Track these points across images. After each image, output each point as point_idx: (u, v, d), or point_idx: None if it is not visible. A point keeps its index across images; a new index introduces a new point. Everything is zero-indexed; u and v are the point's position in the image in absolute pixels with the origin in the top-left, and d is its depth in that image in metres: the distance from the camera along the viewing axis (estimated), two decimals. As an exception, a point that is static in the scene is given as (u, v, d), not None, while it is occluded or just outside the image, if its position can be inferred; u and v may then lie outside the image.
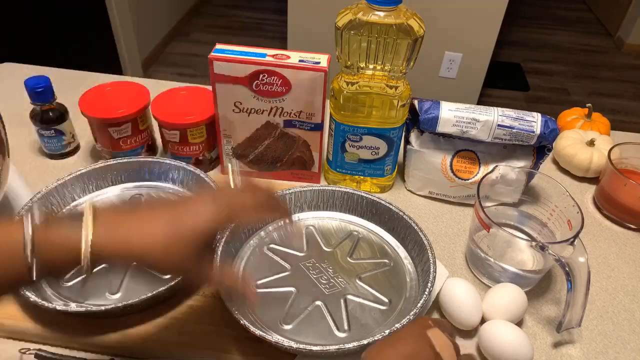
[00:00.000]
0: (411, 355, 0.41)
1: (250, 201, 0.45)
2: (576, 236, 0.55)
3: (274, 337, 0.49)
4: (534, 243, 0.56)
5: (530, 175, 0.66)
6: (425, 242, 0.59)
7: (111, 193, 0.69)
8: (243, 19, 3.24)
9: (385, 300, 0.57)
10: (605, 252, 0.70)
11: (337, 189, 0.67)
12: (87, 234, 0.36)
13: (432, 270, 0.55)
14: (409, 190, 0.77)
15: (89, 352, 0.53)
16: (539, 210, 0.66)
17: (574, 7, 3.68)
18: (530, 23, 3.39)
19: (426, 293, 0.53)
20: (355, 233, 0.66)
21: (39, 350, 0.51)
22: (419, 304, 0.52)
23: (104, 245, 0.37)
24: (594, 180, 0.81)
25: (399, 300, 0.57)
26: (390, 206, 0.64)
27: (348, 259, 0.62)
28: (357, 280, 0.60)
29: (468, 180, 0.71)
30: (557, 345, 0.57)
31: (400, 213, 0.63)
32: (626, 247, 0.71)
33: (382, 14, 0.60)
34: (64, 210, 0.65)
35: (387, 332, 0.49)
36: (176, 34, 3.00)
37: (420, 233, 0.60)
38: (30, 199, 0.61)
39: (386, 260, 0.63)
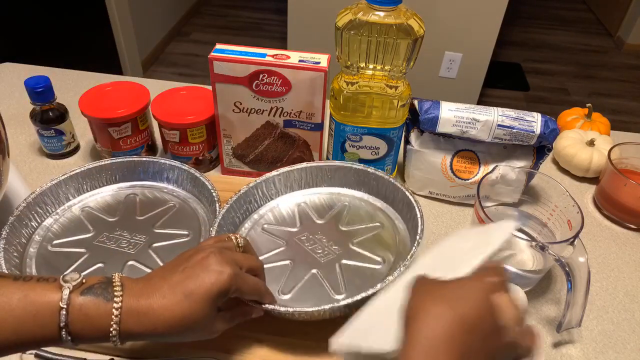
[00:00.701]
0: (470, 322, 0.33)
1: (253, 264, 0.48)
2: (576, 236, 0.55)
3: (269, 305, 0.49)
4: (534, 243, 0.56)
5: (530, 175, 0.65)
6: (412, 200, 0.60)
7: (106, 193, 0.69)
8: (243, 19, 3.24)
9: (378, 259, 0.59)
10: (605, 252, 0.70)
11: (324, 164, 0.68)
12: (117, 312, 0.39)
13: (420, 224, 0.57)
14: (409, 190, 0.77)
15: (89, 352, 0.53)
16: (539, 210, 0.66)
17: (574, 7, 3.68)
18: (530, 23, 3.39)
19: (415, 245, 0.54)
20: (346, 203, 0.67)
21: (39, 350, 0.51)
22: (409, 255, 0.53)
23: (130, 323, 0.39)
24: (594, 180, 0.81)
25: (391, 257, 0.59)
26: (377, 172, 0.66)
27: (340, 227, 0.64)
28: (351, 245, 0.61)
29: (468, 180, 0.71)
30: (557, 345, 0.57)
31: (386, 177, 0.65)
32: (626, 247, 0.71)
33: (382, 14, 0.60)
34: (58, 210, 0.65)
35: (379, 285, 0.49)
36: (176, 34, 3.00)
37: (407, 192, 0.62)
38: (25, 199, 0.61)
39: (377, 224, 0.64)
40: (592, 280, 0.65)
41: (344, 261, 0.59)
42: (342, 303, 0.48)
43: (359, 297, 0.48)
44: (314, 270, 0.58)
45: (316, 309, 0.48)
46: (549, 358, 0.56)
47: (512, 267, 0.60)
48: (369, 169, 0.66)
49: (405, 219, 0.63)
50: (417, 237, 0.55)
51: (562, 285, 0.64)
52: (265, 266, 0.58)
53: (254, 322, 0.50)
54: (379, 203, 0.67)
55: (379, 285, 0.49)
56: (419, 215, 0.58)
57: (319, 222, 0.65)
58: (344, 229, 0.63)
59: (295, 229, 0.64)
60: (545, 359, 0.56)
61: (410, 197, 0.61)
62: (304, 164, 0.68)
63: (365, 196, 0.68)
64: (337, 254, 0.60)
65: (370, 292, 0.49)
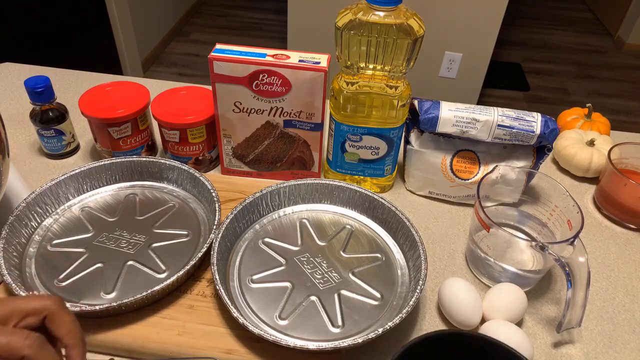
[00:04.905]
0: None
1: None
2: (576, 236, 0.55)
3: (272, 336, 0.49)
4: (534, 243, 0.56)
5: (530, 175, 0.65)
6: (417, 238, 0.60)
7: (106, 193, 0.69)
8: (243, 19, 3.24)
9: (378, 295, 0.58)
10: (605, 252, 0.70)
11: (331, 182, 0.68)
12: None
13: (423, 267, 0.56)
14: (409, 190, 0.77)
15: (89, 352, 0.53)
16: (539, 210, 0.66)
17: (574, 7, 3.68)
18: (530, 23, 3.39)
19: (418, 290, 0.54)
20: (349, 227, 0.67)
21: (39, 350, 0.51)
22: (411, 302, 0.52)
23: None
24: (594, 180, 0.81)
25: (390, 295, 0.58)
26: (383, 201, 0.65)
27: (342, 253, 0.63)
28: (351, 275, 0.60)
29: (468, 180, 0.71)
30: (557, 345, 0.57)
31: (392, 208, 0.64)
32: (626, 247, 0.71)
33: (382, 14, 0.60)
34: (58, 210, 0.65)
35: (380, 330, 0.50)
36: (176, 34, 3.00)
37: (412, 229, 0.61)
38: (24, 199, 0.61)
39: (379, 255, 0.63)
40: (592, 280, 0.65)
41: (343, 292, 0.58)
42: (345, 344, 0.49)
43: (360, 340, 0.49)
44: (312, 298, 0.57)
45: (317, 346, 0.49)
46: (549, 358, 0.56)
47: (512, 267, 0.60)
48: (374, 195, 0.66)
49: (407, 256, 0.62)
50: (420, 282, 0.55)
51: (562, 285, 0.64)
52: (263, 285, 0.58)
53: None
54: (381, 232, 0.66)
55: (380, 330, 0.50)
56: (422, 258, 0.57)
57: (320, 243, 0.64)
58: (344, 255, 0.63)
59: (296, 248, 0.63)
60: (545, 359, 0.56)
61: (415, 234, 0.60)
62: (310, 180, 0.68)
63: (369, 222, 0.67)
64: (336, 282, 0.59)
65: (371, 335, 0.49)
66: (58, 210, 0.66)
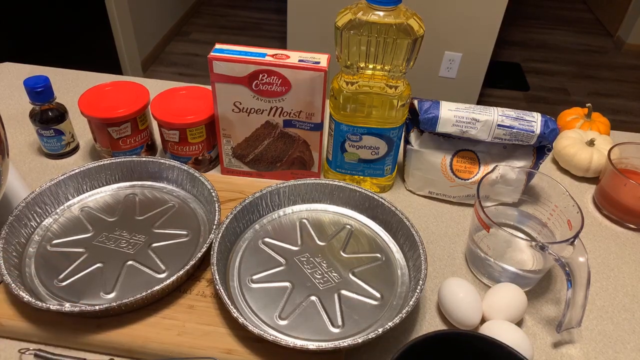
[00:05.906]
0: None
1: None
2: (576, 236, 0.55)
3: (272, 336, 0.49)
4: (534, 243, 0.56)
5: (530, 175, 0.65)
6: (417, 238, 0.60)
7: (105, 193, 0.69)
8: (243, 19, 3.24)
9: (378, 295, 0.58)
10: (605, 252, 0.70)
11: (331, 182, 0.68)
12: None
13: (423, 267, 0.56)
14: (408, 190, 0.77)
15: (89, 352, 0.53)
16: (539, 210, 0.66)
17: (574, 7, 3.68)
18: (530, 23, 3.39)
19: (418, 290, 0.54)
20: (349, 227, 0.67)
21: (39, 350, 0.51)
22: (411, 302, 0.52)
23: None
24: (594, 180, 0.81)
25: (390, 296, 0.58)
26: (383, 201, 0.65)
27: (342, 253, 0.63)
28: (351, 275, 0.60)
29: (468, 180, 0.71)
30: (557, 345, 0.57)
31: (392, 208, 0.64)
32: (626, 247, 0.71)
33: (381, 13, 0.60)
34: (57, 210, 0.65)
35: (380, 330, 0.50)
36: (176, 34, 3.00)
37: (412, 229, 0.61)
38: (24, 199, 0.61)
39: (378, 255, 0.63)
40: (592, 280, 0.65)
41: (343, 292, 0.58)
42: (345, 344, 0.48)
43: (360, 340, 0.49)
44: (312, 298, 0.57)
45: (317, 346, 0.49)
46: (549, 358, 0.56)
47: (512, 267, 0.60)
48: (374, 195, 0.66)
49: (407, 256, 0.62)
50: (420, 282, 0.55)
51: (562, 285, 0.64)
52: (263, 285, 0.59)
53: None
54: (381, 232, 0.66)
55: (380, 330, 0.50)
56: (422, 258, 0.57)
57: (320, 243, 0.64)
58: (344, 255, 0.63)
59: (295, 248, 0.63)
60: (545, 359, 0.56)
61: (415, 235, 0.60)
62: (310, 180, 0.68)
63: (369, 222, 0.67)
64: (336, 282, 0.59)
65: (371, 334, 0.49)
66: (57, 210, 0.66)
